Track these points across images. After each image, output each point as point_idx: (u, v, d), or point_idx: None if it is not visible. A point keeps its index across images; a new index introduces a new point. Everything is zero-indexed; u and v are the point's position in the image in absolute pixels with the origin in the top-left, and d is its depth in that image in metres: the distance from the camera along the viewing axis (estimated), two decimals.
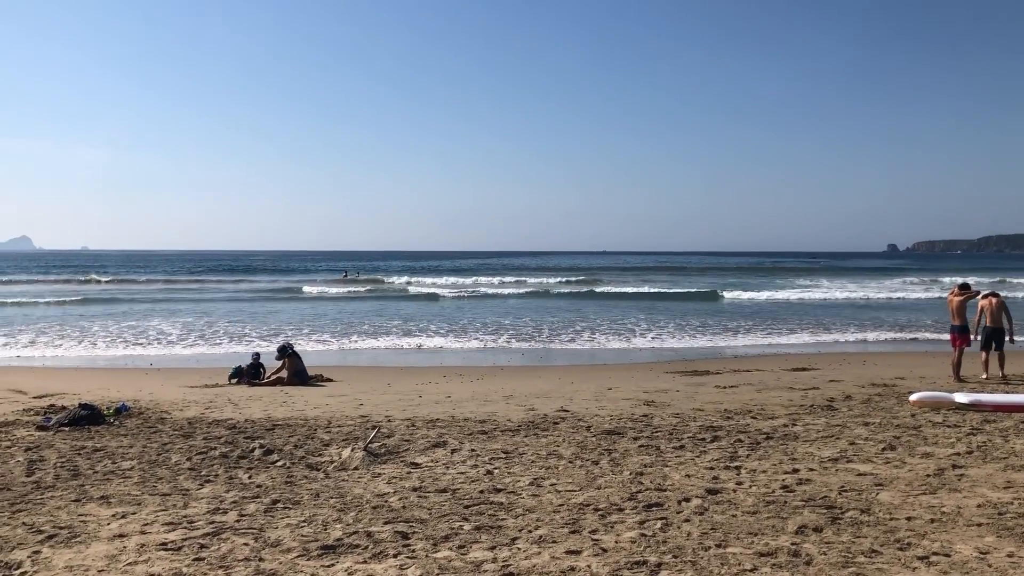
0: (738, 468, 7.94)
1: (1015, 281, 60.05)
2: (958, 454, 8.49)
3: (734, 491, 7.02)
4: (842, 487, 7.11)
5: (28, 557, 5.45)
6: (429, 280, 63.15)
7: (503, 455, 8.70)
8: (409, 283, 59.16)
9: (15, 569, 5.24)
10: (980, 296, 16.06)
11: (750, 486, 7.20)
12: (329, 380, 16.57)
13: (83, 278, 64.70)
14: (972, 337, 15.67)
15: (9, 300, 40.48)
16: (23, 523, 6.26)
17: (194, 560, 5.35)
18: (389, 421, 11.05)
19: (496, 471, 7.93)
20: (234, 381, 16.30)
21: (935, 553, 5.29)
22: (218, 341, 25.07)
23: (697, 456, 8.56)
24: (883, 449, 8.77)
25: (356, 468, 8.16)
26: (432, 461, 8.47)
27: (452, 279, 65.44)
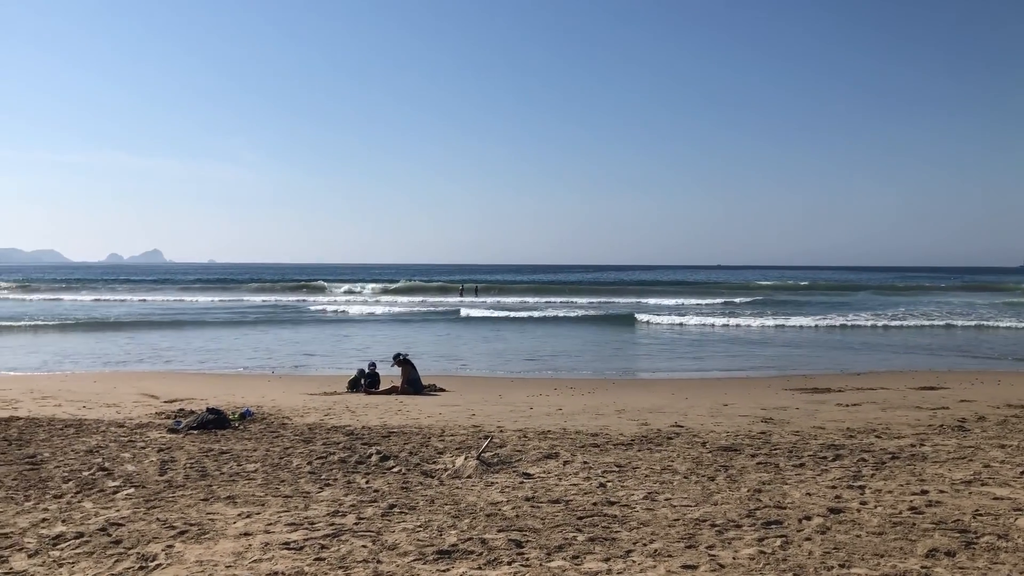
0: (862, 488, 7.63)
1: None
2: None
3: (858, 511, 6.75)
4: (976, 511, 6.73)
5: (163, 551, 5.73)
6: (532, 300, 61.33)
7: (616, 468, 8.63)
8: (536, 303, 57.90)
9: (151, 561, 5.51)
10: None
11: (875, 506, 6.91)
12: (442, 390, 16.82)
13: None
14: None
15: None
16: (157, 519, 6.58)
17: (315, 560, 5.50)
18: (501, 431, 11.12)
19: (609, 484, 7.86)
20: (353, 390, 16.74)
21: None
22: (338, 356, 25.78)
23: (818, 474, 8.27)
24: (1022, 473, 8.27)
25: (469, 476, 8.24)
26: (544, 472, 8.47)
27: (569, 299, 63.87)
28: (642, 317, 40.25)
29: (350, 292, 74.36)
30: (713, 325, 37.08)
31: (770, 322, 37.74)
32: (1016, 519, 6.47)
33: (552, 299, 61.66)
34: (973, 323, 37.21)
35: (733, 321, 38.27)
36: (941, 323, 37.26)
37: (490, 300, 60.09)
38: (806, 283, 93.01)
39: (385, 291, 73.83)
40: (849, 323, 37.13)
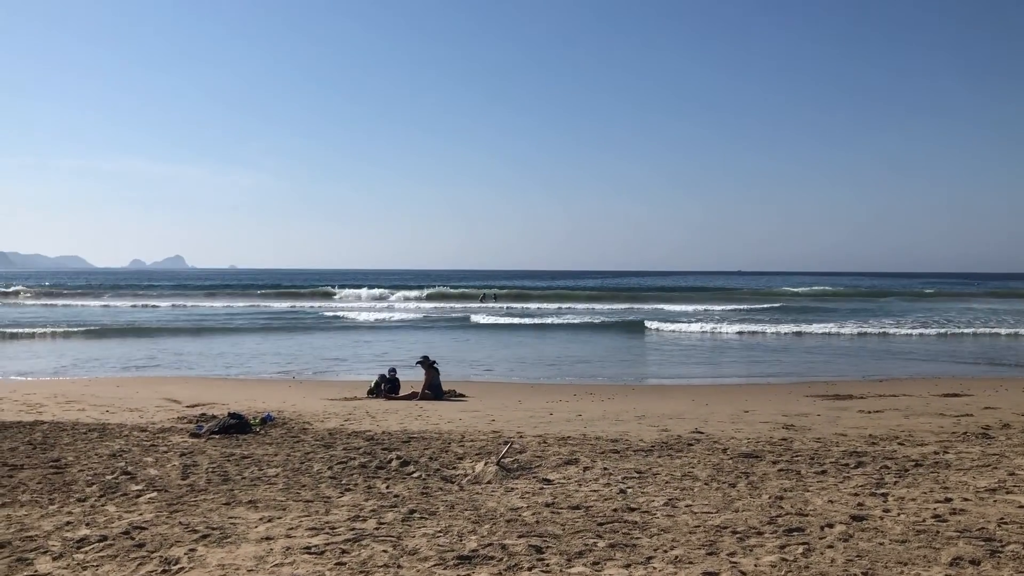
0: (885, 495, 7.57)
1: None
2: None
3: (881, 518, 6.69)
4: (1001, 519, 6.66)
5: (185, 554, 5.77)
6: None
7: (636, 475, 8.60)
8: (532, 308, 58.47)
9: (174, 564, 5.54)
10: None
11: (898, 514, 6.85)
12: (462, 396, 16.84)
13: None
14: None
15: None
16: (179, 523, 6.63)
17: (336, 564, 5.52)
18: (521, 437, 11.12)
19: (629, 490, 7.84)
20: (373, 396, 16.80)
21: None
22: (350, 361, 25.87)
23: (840, 482, 8.21)
24: None
25: (489, 482, 8.24)
26: (564, 478, 8.46)
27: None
28: (661, 324, 40.09)
29: (371, 298, 74.62)
30: (734, 332, 36.85)
31: (791, 328, 37.45)
32: None
33: (572, 305, 61.70)
34: (998, 330, 36.72)
35: (754, 327, 38.02)
36: (966, 330, 36.81)
37: (516, 306, 60.18)
38: (829, 289, 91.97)
39: (407, 298, 74.00)
40: (872, 329, 36.75)
